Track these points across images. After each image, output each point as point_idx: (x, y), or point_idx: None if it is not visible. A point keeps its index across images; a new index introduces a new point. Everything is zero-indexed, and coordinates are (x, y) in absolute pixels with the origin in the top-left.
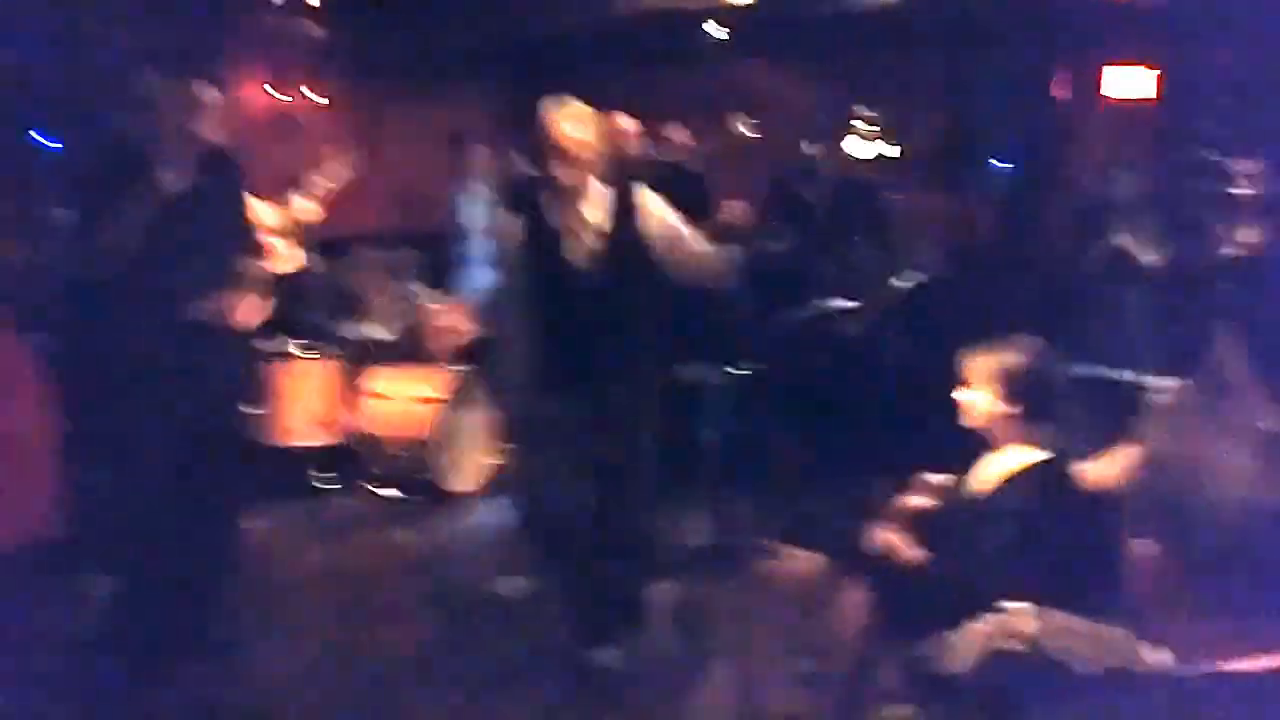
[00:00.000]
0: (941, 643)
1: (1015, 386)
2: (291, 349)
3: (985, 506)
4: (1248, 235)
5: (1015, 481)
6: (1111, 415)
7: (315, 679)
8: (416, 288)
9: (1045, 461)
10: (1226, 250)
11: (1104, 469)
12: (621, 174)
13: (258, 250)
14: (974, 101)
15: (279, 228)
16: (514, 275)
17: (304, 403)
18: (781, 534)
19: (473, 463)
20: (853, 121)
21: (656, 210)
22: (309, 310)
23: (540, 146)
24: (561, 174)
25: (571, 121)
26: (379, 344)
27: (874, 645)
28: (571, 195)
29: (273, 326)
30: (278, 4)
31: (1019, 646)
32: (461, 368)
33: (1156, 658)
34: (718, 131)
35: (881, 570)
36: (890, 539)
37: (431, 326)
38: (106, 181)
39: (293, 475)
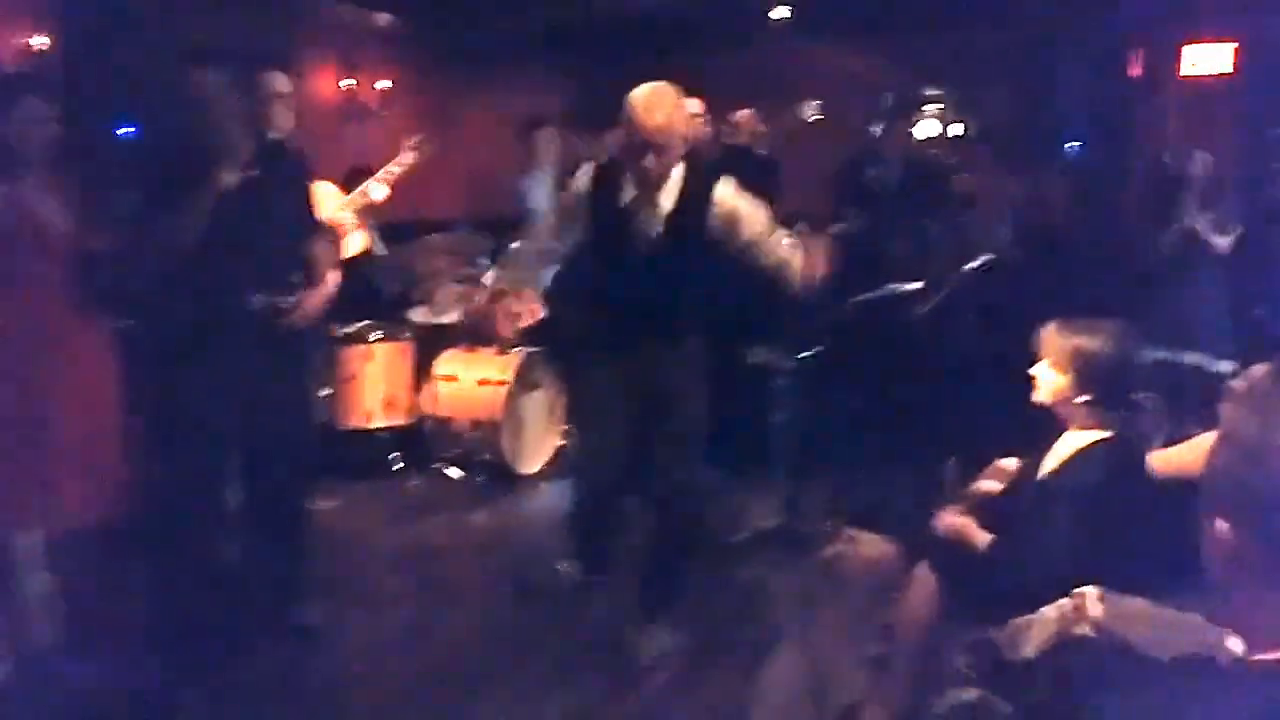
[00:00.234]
0: (1009, 627)
1: (1091, 369)
2: (362, 332)
3: (1054, 489)
4: None
5: (1084, 463)
6: (1186, 400)
7: (388, 657)
8: (486, 271)
9: (1115, 442)
10: None
11: (1181, 456)
12: (695, 160)
13: (328, 236)
14: (1044, 80)
15: (349, 213)
16: (579, 259)
17: (375, 385)
18: (850, 517)
19: (540, 444)
20: (922, 103)
21: (738, 205)
22: (379, 294)
23: (629, 133)
24: (649, 163)
25: (662, 109)
26: (448, 327)
27: (941, 629)
28: (654, 184)
29: (343, 310)
30: None
31: (1087, 631)
32: (529, 350)
33: (1229, 644)
34: (785, 116)
35: (950, 554)
36: (959, 523)
37: (499, 309)
38: (170, 172)
39: (365, 457)
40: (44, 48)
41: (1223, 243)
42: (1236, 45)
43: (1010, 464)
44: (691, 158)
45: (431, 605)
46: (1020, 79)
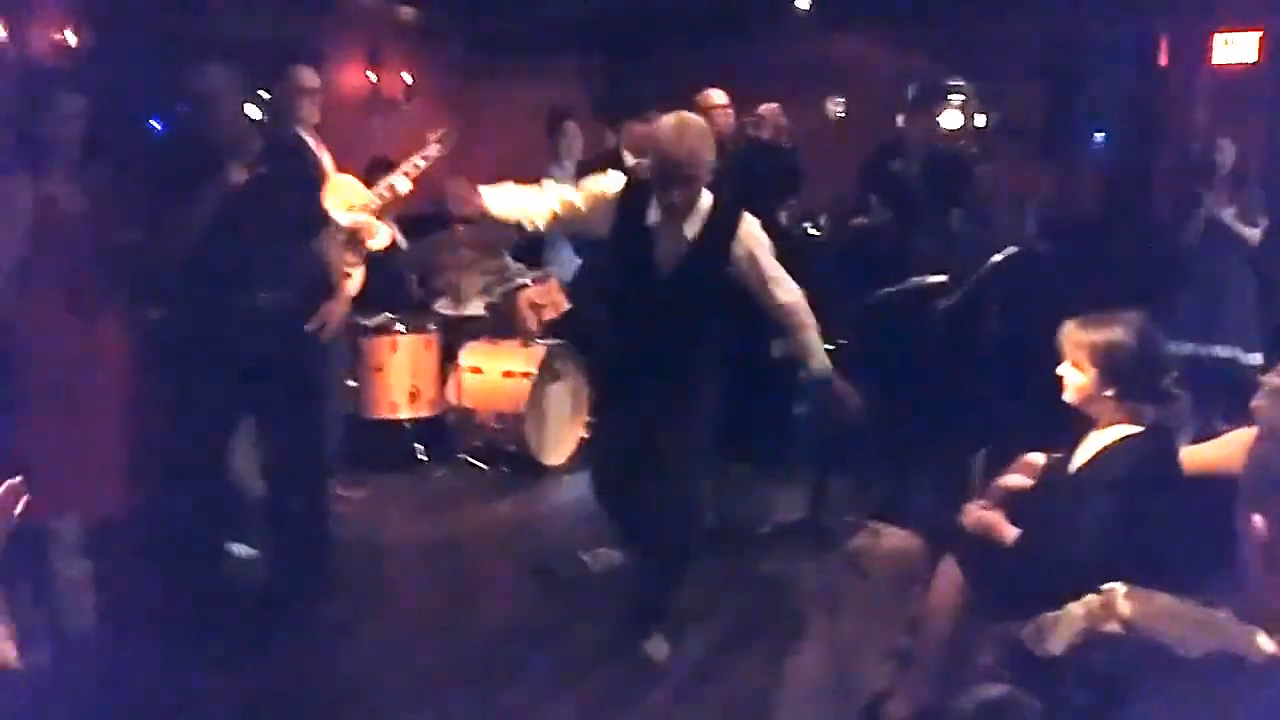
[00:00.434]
0: (1037, 623)
1: (1113, 361)
2: (387, 324)
3: (1085, 484)
4: None
5: (1116, 458)
6: (1212, 394)
7: (412, 648)
8: (510, 264)
9: (1146, 437)
10: None
11: (1212, 452)
12: (724, 177)
13: (353, 235)
14: (1069, 70)
15: (374, 205)
16: (602, 261)
17: (400, 377)
18: (873, 511)
19: (563, 436)
20: (947, 93)
21: (759, 247)
22: (404, 286)
23: (655, 162)
24: (676, 197)
25: (688, 140)
26: (473, 319)
27: (969, 624)
28: (680, 212)
29: (368, 302)
30: None
31: (1116, 628)
32: (552, 342)
33: (1260, 642)
34: (810, 113)
35: (977, 549)
36: (987, 517)
37: (524, 302)
38: (180, 168)
39: (390, 448)
40: (75, 43)
41: (1253, 234)
42: (1262, 33)
43: (1037, 459)
44: (719, 177)
45: (456, 596)
46: (1046, 70)
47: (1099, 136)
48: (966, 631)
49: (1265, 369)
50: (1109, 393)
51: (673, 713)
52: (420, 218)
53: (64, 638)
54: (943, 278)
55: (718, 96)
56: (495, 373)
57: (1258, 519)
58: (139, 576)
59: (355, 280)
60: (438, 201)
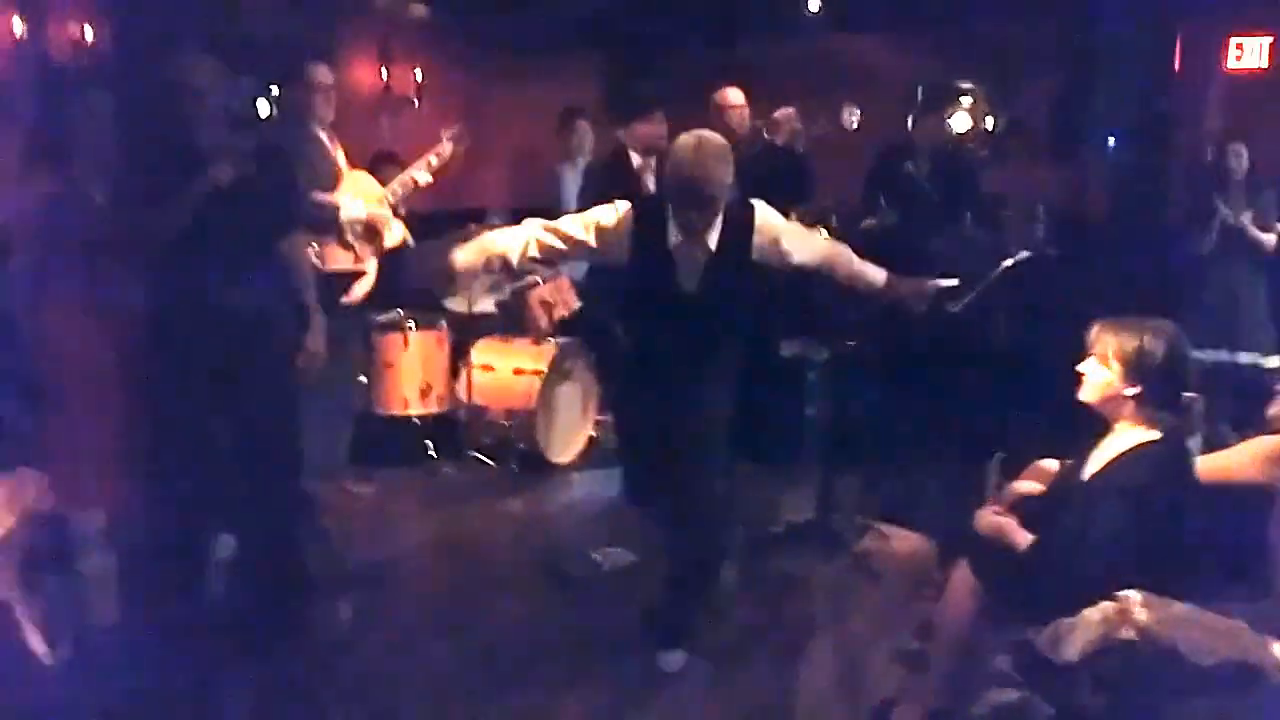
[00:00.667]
0: (1051, 629)
1: (1143, 364)
2: (398, 321)
3: (1101, 490)
4: None
5: (1133, 464)
6: (1225, 400)
7: (420, 645)
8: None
9: (1164, 444)
10: None
11: (1228, 461)
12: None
13: (370, 224)
14: (1081, 73)
15: (389, 201)
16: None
17: (411, 373)
18: (882, 513)
19: (573, 434)
20: (957, 96)
21: (776, 229)
22: (415, 283)
23: (673, 179)
24: (695, 215)
25: (707, 160)
26: (484, 316)
27: (982, 629)
28: (699, 230)
29: (380, 299)
30: None
31: (1131, 635)
32: (563, 340)
33: (1276, 651)
34: (820, 114)
35: (990, 553)
36: (1000, 522)
37: (535, 300)
38: (164, 164)
39: (401, 444)
40: (93, 41)
41: (1269, 240)
42: (1274, 39)
43: (1050, 464)
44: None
45: (464, 592)
46: (1057, 73)
47: (1111, 141)
48: (979, 636)
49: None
50: (1131, 392)
51: (683, 712)
52: (431, 215)
53: (88, 632)
54: (954, 281)
55: (735, 96)
56: (506, 370)
57: (1263, 529)
58: (152, 572)
59: (369, 278)
60: (449, 198)
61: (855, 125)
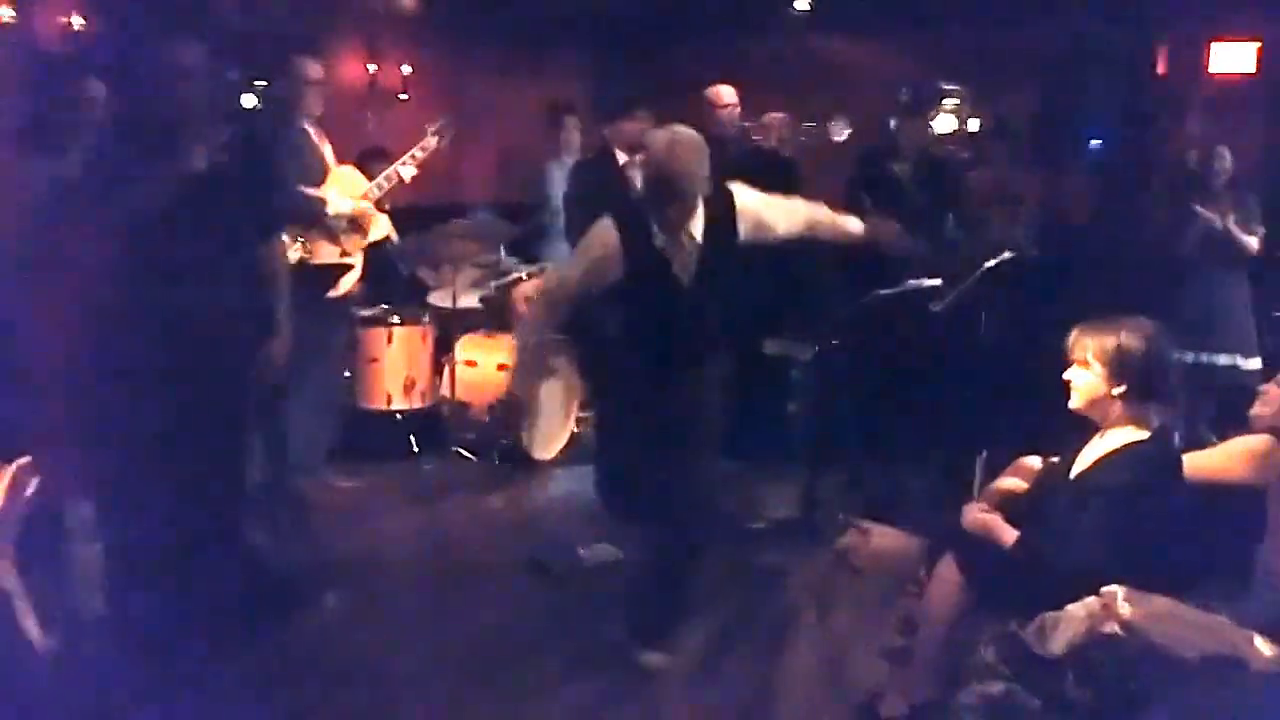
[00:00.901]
0: (1037, 623)
1: (1127, 362)
2: (382, 316)
3: (1089, 488)
4: None
5: (1121, 462)
6: (1203, 401)
7: (404, 639)
8: (505, 257)
9: (1152, 443)
10: None
11: (1213, 460)
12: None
13: (355, 218)
14: (1065, 76)
15: (374, 196)
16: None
17: (395, 368)
18: (864, 510)
19: (556, 430)
20: (941, 97)
21: (760, 209)
22: (399, 278)
23: (649, 175)
24: (673, 211)
25: (683, 155)
26: (468, 312)
27: (968, 622)
28: (680, 225)
29: (364, 294)
30: None
31: (1116, 630)
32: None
33: (1258, 646)
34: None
35: (975, 549)
36: (987, 518)
37: (519, 296)
38: (140, 147)
39: (384, 439)
40: (83, 28)
41: (1252, 242)
42: (1260, 44)
43: (1033, 462)
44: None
45: (447, 587)
46: (1041, 75)
47: (1094, 143)
48: (965, 630)
49: (1264, 376)
50: (1117, 391)
51: (666, 709)
52: (416, 209)
53: (79, 620)
54: (937, 281)
55: (728, 94)
56: (490, 366)
57: (1247, 527)
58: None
59: (355, 272)
60: (435, 193)
61: (844, 138)
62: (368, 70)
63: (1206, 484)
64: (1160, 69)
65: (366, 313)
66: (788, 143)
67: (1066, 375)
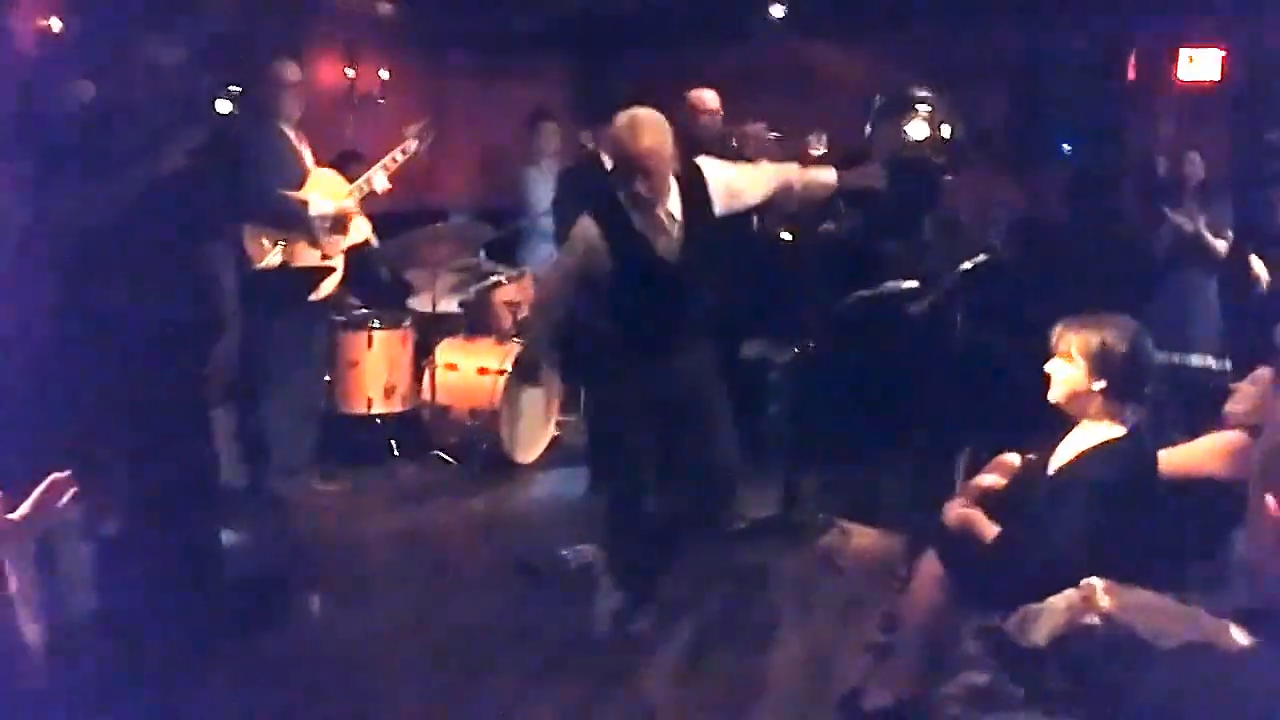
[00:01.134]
0: (1018, 615)
1: (1108, 358)
2: (362, 320)
3: (1067, 484)
4: None
5: (1099, 459)
6: (1188, 399)
7: (385, 643)
8: (485, 261)
9: (1129, 439)
10: None
11: (1188, 455)
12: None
13: (337, 218)
14: (1038, 81)
15: (349, 201)
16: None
17: (375, 372)
18: (843, 509)
19: (537, 434)
20: (914, 103)
21: (731, 175)
22: (379, 282)
23: (617, 158)
24: (642, 187)
25: (647, 133)
26: (448, 316)
27: (951, 616)
28: (656, 202)
29: (343, 298)
30: None
31: (1095, 621)
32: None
33: (1234, 634)
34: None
35: (957, 545)
36: (968, 514)
37: (499, 299)
38: (112, 146)
39: (364, 443)
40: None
41: (1221, 246)
42: (1225, 53)
43: (1012, 459)
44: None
45: (428, 591)
46: (1013, 81)
47: (1066, 148)
48: (948, 623)
49: (1235, 375)
50: (1098, 387)
51: (650, 707)
52: (396, 213)
53: (67, 620)
54: (915, 283)
55: (711, 99)
56: (470, 369)
57: (1271, 500)
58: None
59: (336, 275)
60: (415, 197)
61: (823, 151)
62: (346, 75)
63: (1181, 479)
64: (1130, 75)
65: (346, 316)
66: (766, 152)
67: (1048, 367)
